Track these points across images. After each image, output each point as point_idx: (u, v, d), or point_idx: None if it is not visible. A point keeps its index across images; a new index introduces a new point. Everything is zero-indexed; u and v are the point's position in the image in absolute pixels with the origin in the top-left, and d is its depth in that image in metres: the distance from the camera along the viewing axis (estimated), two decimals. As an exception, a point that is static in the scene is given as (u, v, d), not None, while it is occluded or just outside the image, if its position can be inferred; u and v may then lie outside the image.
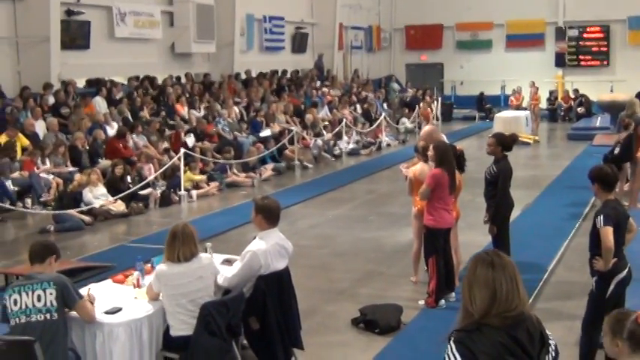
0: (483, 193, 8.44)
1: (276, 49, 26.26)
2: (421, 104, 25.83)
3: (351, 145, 20.74)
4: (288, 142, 18.27)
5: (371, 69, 32.21)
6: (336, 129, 20.88)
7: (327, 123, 21.10)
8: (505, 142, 8.33)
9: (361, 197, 14.64)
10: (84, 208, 12.17)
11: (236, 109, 19.95)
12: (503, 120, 22.24)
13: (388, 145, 22.15)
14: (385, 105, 27.01)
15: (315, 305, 7.83)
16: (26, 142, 14.23)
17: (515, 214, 9.51)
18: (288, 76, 26.04)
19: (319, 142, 19.52)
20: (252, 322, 5.90)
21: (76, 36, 17.89)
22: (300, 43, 27.79)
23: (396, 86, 31.08)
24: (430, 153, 7.66)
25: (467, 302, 3.19)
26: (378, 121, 22.84)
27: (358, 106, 25.03)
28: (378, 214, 12.67)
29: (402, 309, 7.52)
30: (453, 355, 3.08)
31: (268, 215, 6.02)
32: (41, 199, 12.90)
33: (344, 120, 21.45)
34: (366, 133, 22.13)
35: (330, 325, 7.43)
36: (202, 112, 18.87)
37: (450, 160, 7.64)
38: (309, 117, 21.04)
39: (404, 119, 25.19)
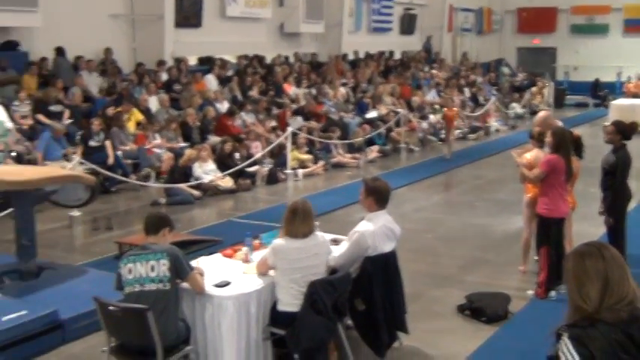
0: (600, 183, 8.12)
1: (384, 30, 26.07)
2: (533, 89, 25.15)
3: (459, 130, 20.40)
4: (395, 124, 18.14)
5: (480, 52, 31.56)
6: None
7: (437, 106, 20.80)
8: (625, 131, 7.98)
9: (468, 182, 14.38)
10: (193, 182, 12.44)
11: (343, 89, 19.93)
12: (620, 107, 21.36)
13: (497, 130, 21.69)
14: (494, 89, 26.43)
15: (420, 290, 7.74)
16: (140, 116, 14.66)
17: (632, 205, 9.11)
18: (396, 57, 25.81)
19: (425, 125, 19.30)
20: (357, 303, 5.87)
21: (189, 14, 18.25)
22: (408, 25, 27.49)
23: (506, 70, 30.37)
24: (547, 139, 7.40)
25: (576, 298, 3.05)
26: (487, 106, 22.37)
27: (466, 90, 24.58)
28: (485, 201, 12.42)
29: (510, 298, 7.34)
30: (570, 353, 2.94)
31: (378, 197, 5.97)
32: (144, 173, 13.29)
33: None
34: (474, 117, 21.72)
35: (436, 311, 7.33)
36: (309, 92, 18.93)
37: (567, 146, 7.37)
38: (415, 99, 20.81)
39: (514, 104, 24.59)
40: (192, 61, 19.10)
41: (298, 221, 5.51)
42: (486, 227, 10.65)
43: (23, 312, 6.41)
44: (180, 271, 5.20)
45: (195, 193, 12.37)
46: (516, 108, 24.49)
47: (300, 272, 5.45)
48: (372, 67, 22.83)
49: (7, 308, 6.49)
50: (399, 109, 18.94)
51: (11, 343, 6.12)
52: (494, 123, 21.91)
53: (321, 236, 5.73)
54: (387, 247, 5.97)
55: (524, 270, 8.33)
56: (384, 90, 20.47)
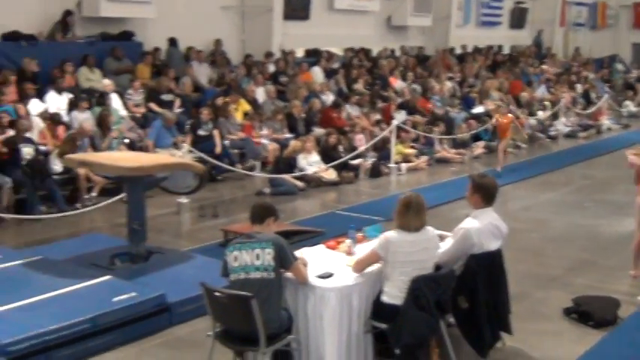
0: None
1: (493, 24, 25.58)
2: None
3: (569, 127, 19.80)
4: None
5: (593, 48, 30.49)
6: (554, 109, 20.02)
7: (547, 103, 20.24)
8: None
9: (577, 182, 13.95)
10: (297, 173, 12.57)
11: (449, 84, 19.68)
12: None
13: (609, 129, 20.92)
14: (607, 86, 25.49)
15: (525, 290, 7.56)
16: (247, 107, 14.92)
17: None
18: (505, 52, 25.27)
19: (533, 121, 18.83)
20: (460, 301, 5.80)
21: (297, 7, 18.42)
22: (519, 18, 26.86)
23: (620, 67, 29.22)
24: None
25: None
26: (600, 103, 21.62)
27: (578, 86, 23.80)
28: (594, 201, 12.01)
29: (620, 303, 7.08)
30: None
31: (485, 194, 5.87)
32: (249, 164, 13.51)
33: (562, 100, 20.50)
34: (585, 114, 21.03)
35: (541, 312, 7.14)
36: (414, 86, 18.78)
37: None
38: (524, 95, 20.32)
39: (627, 102, 23.67)
40: (299, 53, 19.27)
41: (412, 214, 5.49)
42: (595, 229, 10.30)
43: (133, 294, 6.65)
44: (284, 260, 5.26)
45: (299, 184, 12.49)
46: (630, 106, 23.54)
47: (410, 266, 5.43)
48: (479, 62, 22.44)
49: (118, 289, 6.75)
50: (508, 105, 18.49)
51: (121, 323, 6.35)
52: (606, 121, 21.15)
53: (432, 231, 5.68)
54: (492, 246, 5.87)
55: (635, 275, 8.01)
56: (491, 85, 20.07)
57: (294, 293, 5.53)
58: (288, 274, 5.42)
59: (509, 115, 15.17)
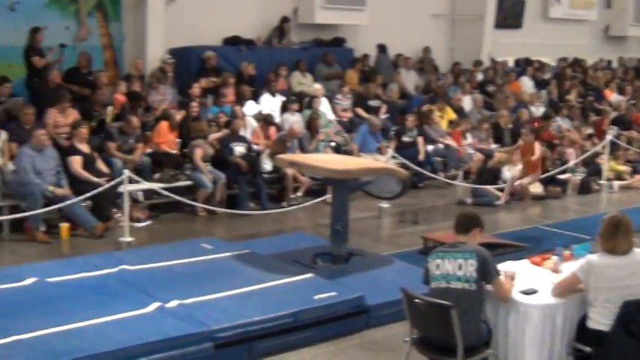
0: None
1: None
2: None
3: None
4: None
5: None
6: None
7: None
8: None
9: None
10: (501, 185, 12.27)
11: (671, 99, 18.37)
12: None
13: None
14: None
15: None
16: (452, 115, 14.80)
17: None
18: None
19: None
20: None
21: (509, 15, 18.10)
22: None
23: None
24: None
25: None
26: None
27: None
28: None
29: None
30: None
31: None
32: (452, 173, 13.39)
33: None
34: None
35: None
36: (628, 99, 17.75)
37: None
38: None
39: None
40: (509, 62, 18.83)
41: (620, 236, 5.13)
42: None
43: (333, 293, 6.80)
44: (487, 273, 5.15)
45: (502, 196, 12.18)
46: None
47: (617, 292, 5.08)
48: None
49: (319, 288, 6.93)
50: None
51: (320, 320, 6.52)
52: None
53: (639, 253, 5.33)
54: None
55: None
56: None
57: (495, 307, 5.39)
58: (490, 287, 5.30)
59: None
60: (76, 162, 9.82)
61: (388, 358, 6.21)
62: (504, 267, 5.69)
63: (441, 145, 13.77)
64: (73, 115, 10.78)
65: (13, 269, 7.60)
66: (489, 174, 12.42)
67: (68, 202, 9.20)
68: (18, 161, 9.56)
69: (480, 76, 16.86)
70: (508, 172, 12.52)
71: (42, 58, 11.45)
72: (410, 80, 15.95)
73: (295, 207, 11.10)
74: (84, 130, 10.08)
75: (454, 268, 5.18)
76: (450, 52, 17.73)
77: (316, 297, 6.68)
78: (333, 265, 7.90)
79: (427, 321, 5.21)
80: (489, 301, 5.38)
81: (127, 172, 9.16)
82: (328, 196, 10.34)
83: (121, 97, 11.59)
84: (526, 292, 5.34)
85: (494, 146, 14.10)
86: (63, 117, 10.74)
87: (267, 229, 10.37)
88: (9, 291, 6.72)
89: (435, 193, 12.99)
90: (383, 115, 14.21)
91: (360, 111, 14.18)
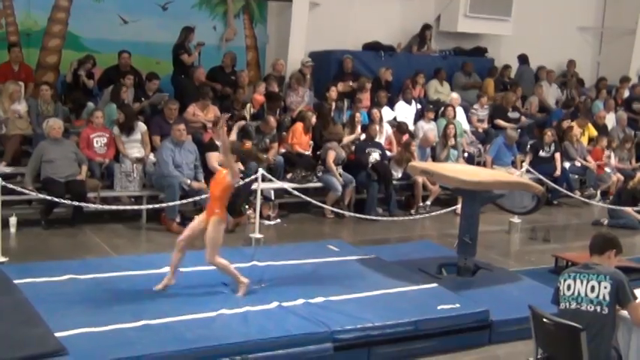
0: None
1: None
2: None
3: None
4: None
5: None
6: None
7: None
8: None
9: None
10: (641, 207, 11.73)
11: None
12: None
13: None
14: None
15: None
16: (594, 132, 14.27)
17: None
18: None
19: None
20: None
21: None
22: None
23: None
24: None
25: None
26: None
27: None
28: None
29: None
30: None
31: None
32: (588, 192, 12.91)
33: None
34: None
35: None
36: None
37: None
38: None
39: None
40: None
41: None
42: None
43: (457, 305, 6.70)
44: (622, 297, 4.94)
45: (642, 218, 11.64)
46: None
47: None
48: None
49: (443, 298, 6.85)
50: None
51: (442, 331, 6.43)
52: None
53: None
54: None
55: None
56: None
57: (627, 334, 5.15)
58: (624, 313, 5.06)
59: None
60: (213, 158, 10.13)
61: (509, 376, 6.07)
62: (640, 293, 5.42)
63: (578, 163, 13.30)
64: (214, 111, 11.14)
65: (149, 257, 7.94)
66: (629, 195, 11.87)
67: (204, 196, 9.51)
68: (159, 154, 9.98)
69: (626, 93, 16.14)
70: (651, 195, 11.97)
71: (190, 56, 11.92)
72: (551, 94, 15.49)
73: (423, 215, 11.02)
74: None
75: (586, 290, 5.00)
76: (595, 67, 17.11)
77: (439, 307, 6.61)
78: (459, 276, 7.79)
79: (554, 342, 5.04)
80: (622, 326, 5.16)
81: (261, 171, 9.38)
82: (458, 207, 10.20)
83: (260, 97, 11.88)
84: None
85: (636, 166, 13.50)
86: (203, 113, 11.13)
87: (393, 235, 10.35)
88: (143, 277, 7.02)
89: (570, 212, 12.59)
90: (520, 129, 13.86)
91: (500, 122, 13.88)
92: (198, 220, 6.71)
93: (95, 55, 11.76)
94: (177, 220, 9.81)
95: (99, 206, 9.42)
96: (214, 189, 6.71)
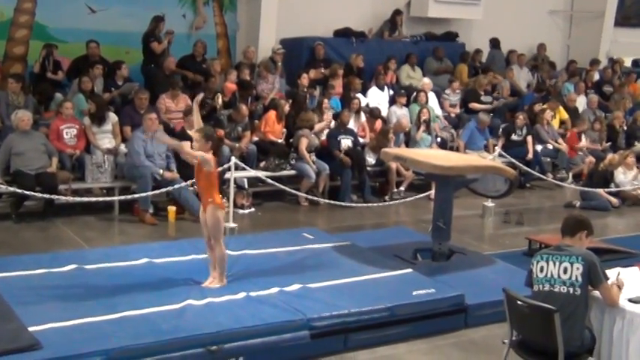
0: None
1: None
2: None
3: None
4: None
5: None
6: None
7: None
8: None
9: None
10: (613, 189, 11.85)
11: None
12: None
13: None
14: None
15: None
16: (565, 115, 14.40)
17: None
18: None
19: None
20: None
21: (631, 14, 17.38)
22: None
23: None
24: None
25: None
26: None
27: None
28: None
29: None
30: None
31: None
32: (561, 174, 13.06)
33: None
34: None
35: None
36: None
37: None
38: None
39: None
40: (628, 62, 18.12)
41: None
42: None
43: (431, 290, 6.74)
44: (594, 278, 4.99)
45: (613, 200, 11.76)
46: None
47: None
48: None
49: (418, 284, 6.88)
50: None
51: (417, 317, 6.47)
52: None
53: None
54: None
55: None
56: None
57: (600, 314, 5.23)
58: (596, 293, 5.13)
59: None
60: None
61: (485, 359, 6.11)
62: (617, 274, 5.46)
63: (550, 146, 13.42)
64: (184, 101, 11.09)
65: (122, 249, 7.90)
66: (601, 177, 11.99)
67: (177, 186, 9.47)
68: (130, 144, 9.92)
69: (596, 76, 16.30)
70: (622, 176, 12.11)
71: (159, 44, 11.84)
72: (522, 77, 15.59)
73: (397, 201, 11.06)
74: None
75: (559, 272, 5.04)
76: (565, 50, 17.24)
77: (414, 293, 6.64)
78: (434, 261, 7.83)
79: (528, 324, 5.08)
80: (595, 307, 5.23)
81: (233, 159, 9.35)
82: (432, 192, 10.24)
83: (231, 85, 11.84)
84: (634, 301, 5.15)
85: (607, 147, 13.65)
86: (174, 103, 11.07)
87: (368, 222, 10.39)
88: (117, 270, 6.99)
89: (542, 195, 12.69)
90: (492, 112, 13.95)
91: (475, 105, 13.94)
92: (202, 214, 6.64)
93: (63, 45, 11.64)
94: (150, 211, 9.78)
95: (70, 198, 9.35)
96: (198, 181, 6.68)
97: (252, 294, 6.39)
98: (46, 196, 8.93)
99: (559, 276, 5.03)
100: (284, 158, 11.07)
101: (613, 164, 12.13)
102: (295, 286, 6.62)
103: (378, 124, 12.37)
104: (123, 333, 5.46)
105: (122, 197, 9.66)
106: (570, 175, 13.31)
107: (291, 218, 10.40)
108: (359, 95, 12.84)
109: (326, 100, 12.11)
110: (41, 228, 9.25)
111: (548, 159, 13.39)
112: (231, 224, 9.16)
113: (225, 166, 9.38)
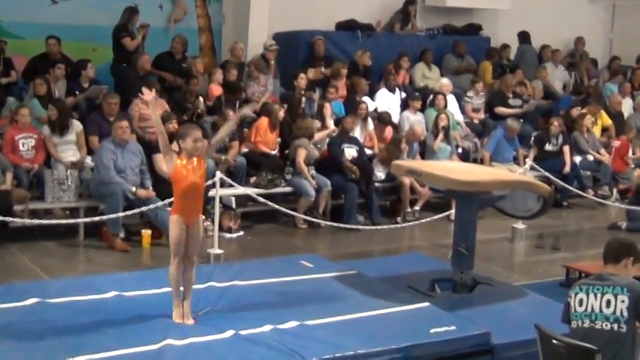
0: None
1: None
2: None
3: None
4: None
5: None
6: None
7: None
8: None
9: None
10: (665, 208, 11.89)
11: None
12: None
13: None
14: None
15: None
16: (608, 121, 14.45)
17: None
18: None
19: None
20: None
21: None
22: None
23: None
24: None
25: None
26: None
27: None
28: None
29: None
30: None
31: None
32: (603, 191, 13.13)
33: None
34: None
35: None
36: None
37: None
38: None
39: None
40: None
41: None
42: None
43: (452, 327, 6.72)
44: (642, 312, 5.02)
45: (666, 221, 11.81)
46: None
47: None
48: None
49: (437, 320, 6.87)
50: None
51: (437, 358, 6.47)
52: None
53: None
54: None
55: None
56: None
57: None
58: (645, 330, 5.16)
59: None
60: (160, 160, 10.09)
61: (515, 408, 6.13)
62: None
63: (590, 157, 13.46)
64: (161, 106, 11.11)
65: (88, 279, 7.89)
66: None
67: (152, 206, 9.48)
68: (98, 157, 9.94)
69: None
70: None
71: (132, 40, 11.87)
72: (557, 77, 15.66)
73: (411, 223, 11.08)
74: (172, 126, 10.29)
75: (601, 305, 5.06)
76: (608, 45, 17.33)
77: (432, 331, 6.64)
78: (454, 294, 7.83)
79: (566, 366, 5.11)
80: (643, 346, 5.25)
81: (219, 174, 9.37)
82: (452, 212, 10.27)
83: (216, 88, 11.89)
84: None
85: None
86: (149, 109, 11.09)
87: (377, 247, 10.43)
88: (82, 304, 6.99)
89: (582, 214, 12.75)
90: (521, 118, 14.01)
91: (501, 109, 13.98)
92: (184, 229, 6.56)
93: (19, 41, 11.70)
94: (122, 235, 9.79)
95: (27, 221, 9.36)
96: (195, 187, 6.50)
97: (242, 332, 6.38)
98: (-1, 218, 8.96)
99: (601, 310, 5.05)
100: (278, 173, 11.11)
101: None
102: (292, 324, 6.61)
103: (389, 132, 12.42)
104: (90, 380, 5.47)
105: (88, 219, 9.64)
106: (615, 191, 13.33)
107: (287, 243, 10.42)
108: (366, 99, 12.90)
109: (327, 105, 12.16)
110: (-7, 255, 9.28)
111: (589, 173, 13.43)
112: (217, 250, 9.18)
113: (210, 182, 9.40)
